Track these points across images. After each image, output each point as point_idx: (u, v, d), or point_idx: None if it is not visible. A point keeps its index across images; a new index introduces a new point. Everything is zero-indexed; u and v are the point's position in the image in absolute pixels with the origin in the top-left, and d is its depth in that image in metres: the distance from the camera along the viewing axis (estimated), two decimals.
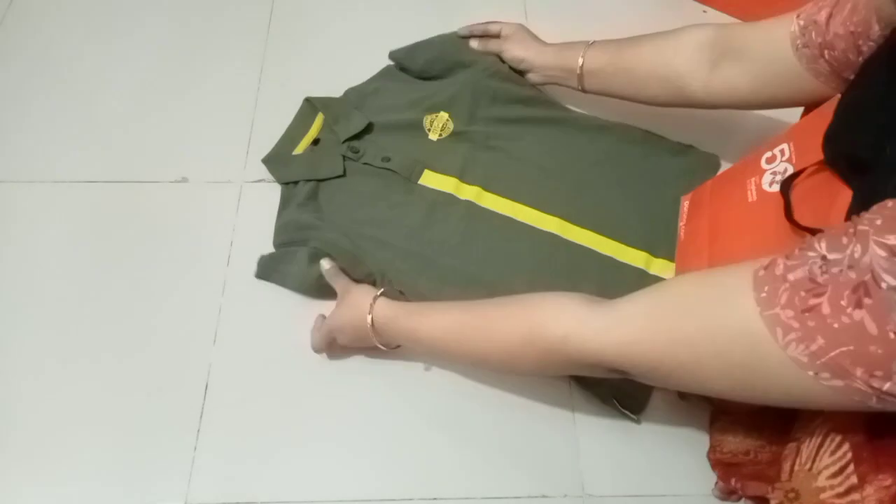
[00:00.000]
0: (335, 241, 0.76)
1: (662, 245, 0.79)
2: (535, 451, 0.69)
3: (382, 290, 0.69)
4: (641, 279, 0.78)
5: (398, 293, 0.75)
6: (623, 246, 0.80)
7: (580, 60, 0.81)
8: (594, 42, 0.82)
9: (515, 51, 0.89)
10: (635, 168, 0.87)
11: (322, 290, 0.76)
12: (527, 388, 0.72)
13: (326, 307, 0.74)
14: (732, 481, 0.62)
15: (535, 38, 0.90)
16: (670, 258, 0.78)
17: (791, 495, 0.55)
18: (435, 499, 0.66)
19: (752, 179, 0.69)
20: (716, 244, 0.71)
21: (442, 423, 0.70)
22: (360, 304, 0.68)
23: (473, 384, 0.72)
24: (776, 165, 0.68)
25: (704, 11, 1.08)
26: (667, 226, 0.80)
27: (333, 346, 0.72)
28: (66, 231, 0.81)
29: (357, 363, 0.73)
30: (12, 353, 0.73)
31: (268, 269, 0.79)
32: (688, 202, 0.81)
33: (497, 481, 0.67)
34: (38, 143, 0.89)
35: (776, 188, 0.65)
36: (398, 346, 0.71)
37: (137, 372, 0.72)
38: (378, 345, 0.69)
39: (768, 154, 0.69)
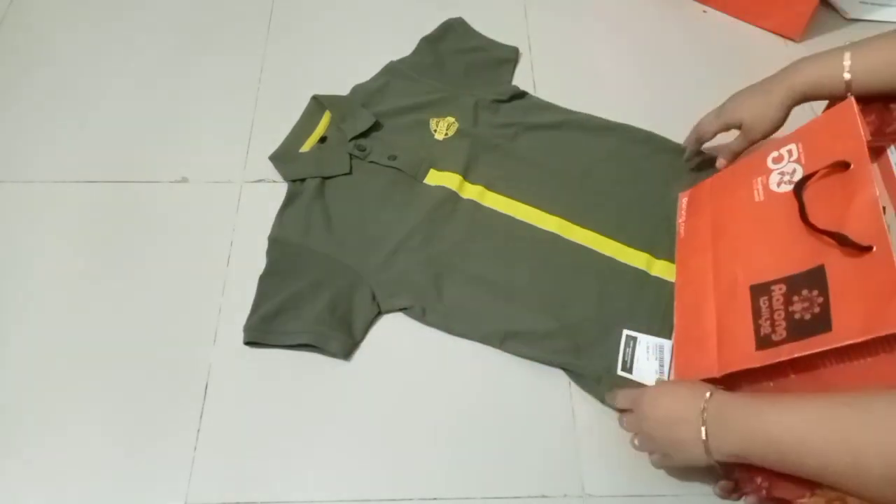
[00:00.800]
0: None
1: (664, 247, 0.79)
2: (535, 451, 0.69)
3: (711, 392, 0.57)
4: (642, 281, 0.78)
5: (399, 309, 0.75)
6: (624, 247, 0.80)
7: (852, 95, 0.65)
8: (849, 64, 0.65)
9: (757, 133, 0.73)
10: (637, 169, 0.87)
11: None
12: (527, 388, 0.72)
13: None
14: (759, 480, 0.58)
15: (756, 97, 0.72)
16: (671, 260, 0.78)
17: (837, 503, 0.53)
18: (435, 499, 0.66)
19: (759, 179, 0.69)
20: (720, 242, 0.71)
21: (442, 423, 0.70)
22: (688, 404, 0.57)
23: (474, 385, 0.72)
24: (784, 165, 0.67)
25: (704, 11, 1.08)
26: (668, 227, 0.81)
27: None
28: (66, 231, 0.81)
29: (356, 363, 0.73)
30: (12, 353, 0.73)
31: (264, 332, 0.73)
32: (686, 199, 0.81)
33: (497, 481, 0.67)
34: (38, 143, 0.89)
35: (784, 188, 0.65)
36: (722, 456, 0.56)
37: (137, 372, 0.72)
38: (706, 455, 0.56)
39: (775, 154, 0.69)
